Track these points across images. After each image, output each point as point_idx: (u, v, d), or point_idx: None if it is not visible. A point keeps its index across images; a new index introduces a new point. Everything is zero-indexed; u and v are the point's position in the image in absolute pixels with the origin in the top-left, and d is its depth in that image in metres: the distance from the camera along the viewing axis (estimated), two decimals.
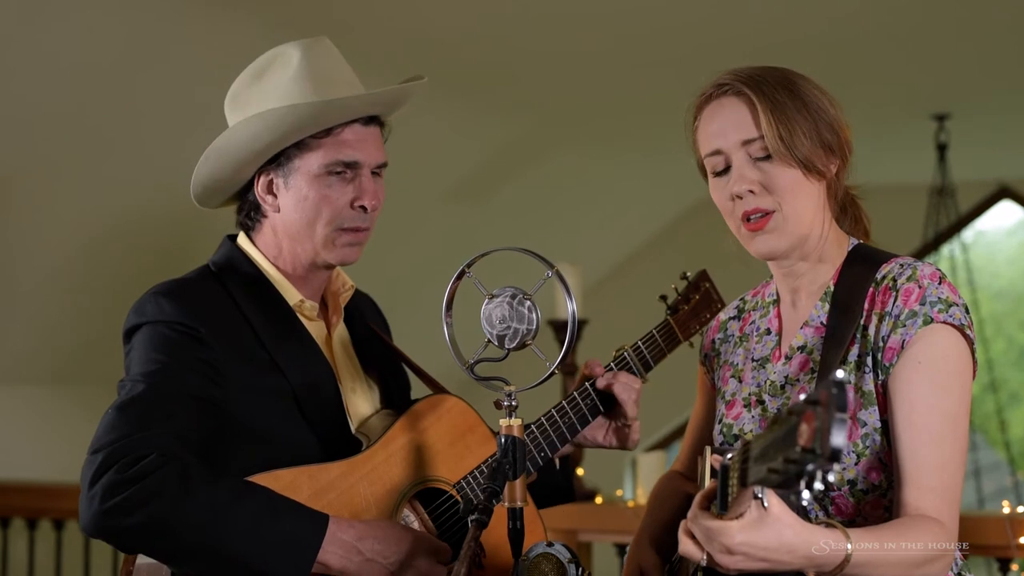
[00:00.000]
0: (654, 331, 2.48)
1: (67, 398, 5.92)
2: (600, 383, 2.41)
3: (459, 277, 2.07)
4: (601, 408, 2.42)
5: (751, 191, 2.03)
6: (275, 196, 2.31)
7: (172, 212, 5.11)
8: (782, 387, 2.12)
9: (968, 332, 1.99)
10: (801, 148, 2.00)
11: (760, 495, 1.68)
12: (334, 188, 2.28)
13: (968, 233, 8.79)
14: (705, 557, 1.80)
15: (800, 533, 1.77)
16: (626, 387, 2.40)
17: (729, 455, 1.74)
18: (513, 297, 2.02)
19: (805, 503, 1.58)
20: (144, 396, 2.12)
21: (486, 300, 2.03)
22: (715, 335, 2.33)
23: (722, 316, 2.33)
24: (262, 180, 2.31)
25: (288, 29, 4.64)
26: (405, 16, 4.85)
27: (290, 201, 2.29)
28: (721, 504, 1.77)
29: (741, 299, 2.32)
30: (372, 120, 2.33)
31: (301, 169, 2.28)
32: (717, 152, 2.06)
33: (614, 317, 6.00)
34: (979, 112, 6.68)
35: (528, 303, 2.01)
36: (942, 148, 6.73)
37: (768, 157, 2.02)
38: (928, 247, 7.10)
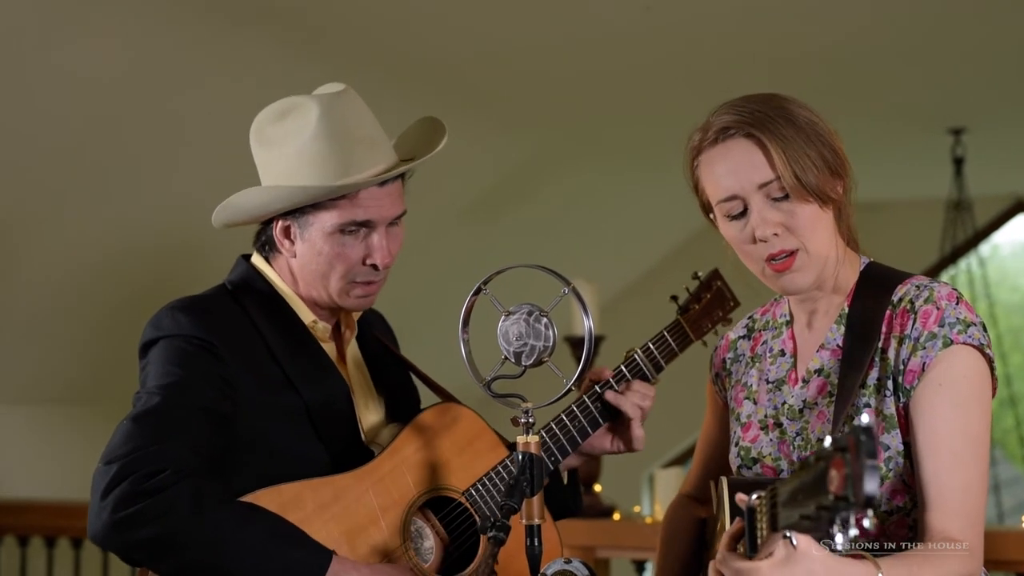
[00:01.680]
0: (665, 331, 2.45)
1: (85, 417, 5.93)
2: (609, 397, 2.38)
3: (476, 294, 2.08)
4: (602, 421, 2.39)
5: (775, 234, 2.02)
6: (292, 242, 2.32)
7: (176, 237, 5.13)
8: (800, 411, 2.11)
9: (987, 351, 1.99)
10: (814, 180, 2.00)
11: (788, 534, 1.68)
12: (347, 246, 2.29)
13: (985, 247, 8.76)
14: None
15: (831, 567, 1.77)
16: (634, 405, 2.37)
17: (756, 495, 1.75)
18: (530, 314, 2.02)
19: (839, 548, 1.59)
20: (159, 408, 2.13)
21: (503, 317, 2.03)
22: (725, 354, 2.31)
23: (731, 335, 2.32)
24: (280, 224, 2.32)
25: (304, 58, 4.66)
26: (420, 39, 4.85)
27: (306, 251, 2.31)
28: (751, 547, 1.77)
29: (750, 318, 2.31)
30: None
31: (316, 224, 2.28)
32: (732, 197, 2.04)
33: (631, 333, 5.98)
34: (995, 126, 6.66)
35: (545, 320, 2.01)
36: (959, 162, 6.71)
37: (786, 197, 2.01)
38: (945, 261, 7.08)
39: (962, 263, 7.41)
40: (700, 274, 2.54)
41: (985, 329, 2.00)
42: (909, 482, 1.99)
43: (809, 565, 1.75)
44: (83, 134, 4.67)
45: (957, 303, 1.99)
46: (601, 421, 2.39)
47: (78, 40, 4.23)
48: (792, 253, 2.03)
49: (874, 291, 2.07)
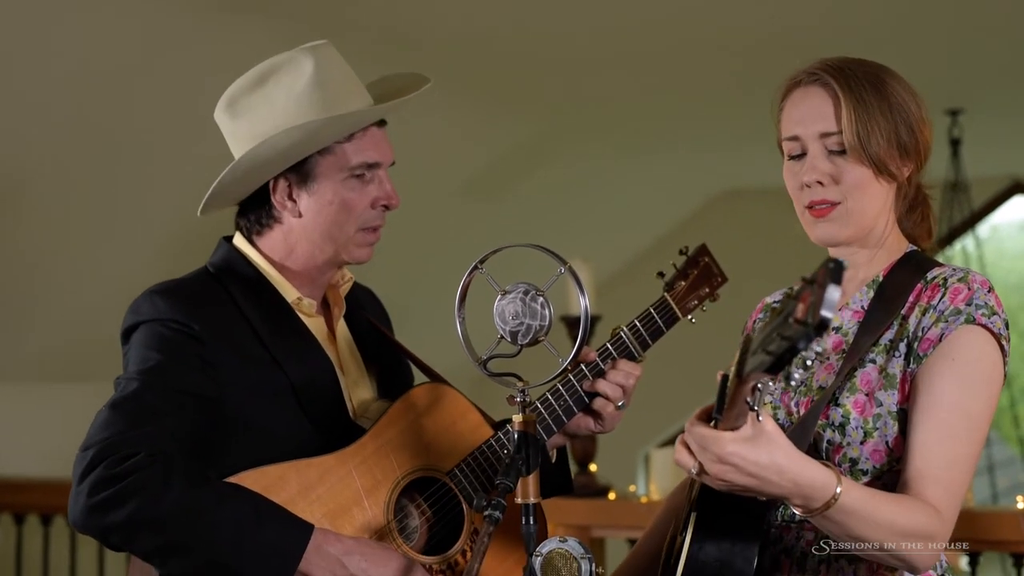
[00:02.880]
0: (651, 308, 2.43)
1: (82, 395, 5.93)
2: (587, 386, 2.36)
3: (472, 273, 2.07)
4: (587, 400, 2.37)
5: (820, 182, 2.06)
6: (295, 202, 2.32)
7: (183, 212, 5.13)
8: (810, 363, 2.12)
9: (1004, 343, 2.01)
10: (876, 148, 2.03)
11: (753, 404, 1.69)
12: (356, 190, 2.31)
13: (982, 228, 8.76)
14: (697, 466, 1.81)
15: (792, 457, 1.78)
16: (614, 385, 2.34)
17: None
18: (526, 293, 2.01)
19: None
20: (137, 394, 2.14)
21: (499, 296, 2.03)
22: (757, 316, 2.34)
23: (767, 300, 2.34)
24: (279, 186, 2.32)
25: (302, 27, 4.65)
26: (418, 16, 4.85)
27: (314, 207, 2.31)
28: (717, 409, 1.79)
29: (790, 287, 2.34)
30: (382, 121, 2.38)
31: (325, 175, 2.30)
32: (795, 138, 2.09)
33: (627, 313, 5.99)
34: (993, 107, 6.66)
35: (541, 299, 2.01)
36: (955, 143, 6.70)
37: (843, 152, 2.05)
38: (942, 242, 7.08)
39: (958, 244, 7.41)
40: (687, 249, 2.52)
41: (1007, 326, 2.03)
42: (893, 446, 1.99)
43: (772, 448, 1.76)
44: (96, 107, 4.67)
45: (989, 291, 2.02)
46: (586, 401, 2.37)
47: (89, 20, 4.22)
48: (833, 204, 2.06)
49: (910, 269, 2.10)
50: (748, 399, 1.70)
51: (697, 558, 1.94)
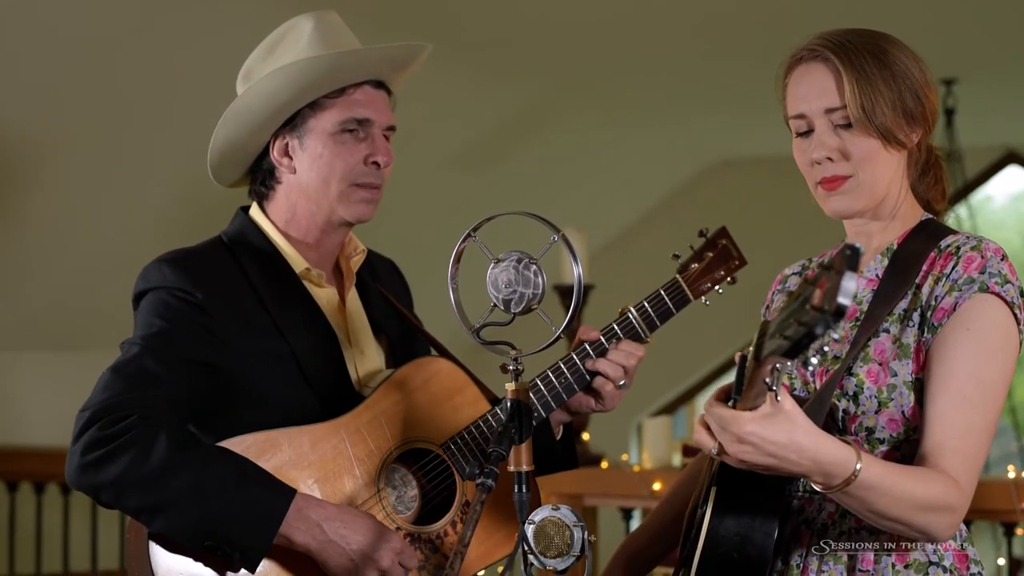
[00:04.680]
0: (661, 290, 2.41)
1: (75, 363, 5.93)
2: (588, 364, 2.35)
3: (465, 240, 2.07)
4: (588, 378, 2.36)
5: (829, 158, 2.06)
6: (291, 158, 2.36)
7: (188, 181, 5.11)
8: None
9: (1018, 312, 2.01)
10: (882, 119, 2.03)
11: (772, 385, 1.70)
12: (348, 145, 2.34)
13: (975, 198, 8.76)
14: (717, 446, 1.83)
15: (811, 435, 1.79)
16: (615, 365, 2.33)
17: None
18: (519, 261, 2.00)
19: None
20: (138, 358, 2.19)
21: (492, 264, 2.02)
22: (776, 287, 2.34)
23: (786, 271, 2.35)
24: (277, 143, 2.37)
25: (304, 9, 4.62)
26: None
27: (306, 161, 2.35)
28: (736, 389, 1.80)
29: (808, 259, 2.34)
30: (380, 85, 2.40)
31: (316, 129, 2.34)
32: (801, 116, 2.09)
33: (620, 282, 5.99)
34: (987, 77, 6.64)
35: (534, 267, 2.00)
36: (949, 113, 6.70)
37: (849, 125, 2.05)
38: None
39: (952, 214, 7.41)
40: (706, 231, 2.49)
41: (1022, 294, 2.03)
42: (909, 415, 2.00)
43: (791, 427, 1.77)
44: (103, 74, 4.64)
45: (1002, 259, 2.02)
46: (588, 379, 2.36)
47: None
48: (844, 178, 2.06)
49: (924, 237, 2.10)
50: (767, 379, 1.70)
51: (718, 532, 1.96)
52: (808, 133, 2.09)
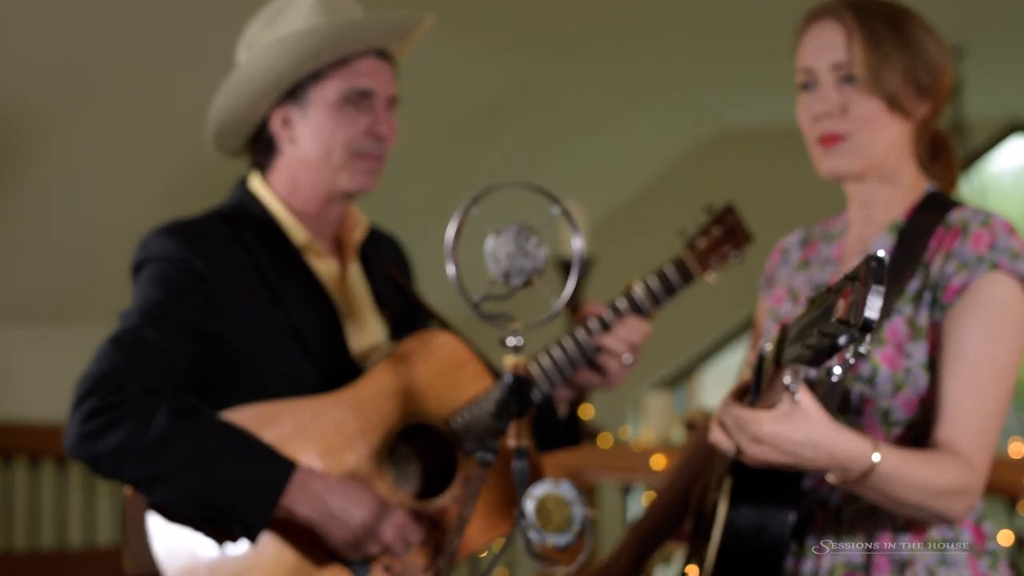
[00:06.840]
0: (667, 265, 2.40)
1: (71, 336, 5.91)
2: (593, 340, 2.35)
3: (464, 212, 2.04)
4: (591, 355, 2.37)
5: (829, 114, 2.06)
6: (291, 129, 2.34)
7: (190, 152, 5.09)
8: None
9: None
10: (889, 81, 2.03)
11: (792, 387, 1.69)
12: (349, 116, 2.32)
13: (982, 171, 8.74)
14: (734, 446, 1.83)
15: (828, 431, 1.79)
16: (621, 341, 2.33)
17: (767, 344, 1.75)
18: (519, 233, 1.99)
19: (835, 378, 1.62)
20: (137, 329, 2.17)
21: (491, 237, 1.99)
22: (776, 259, 2.33)
23: (784, 241, 2.33)
24: (277, 115, 2.35)
25: None
26: None
27: (307, 132, 2.33)
28: (755, 390, 1.80)
29: (806, 228, 2.31)
30: (384, 56, 2.37)
31: (317, 99, 2.32)
32: (808, 69, 2.10)
33: (622, 255, 5.96)
34: (994, 48, 6.60)
35: (534, 240, 1.98)
36: (957, 84, 6.66)
37: (852, 79, 2.05)
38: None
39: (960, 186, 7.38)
40: (713, 207, 2.47)
41: None
42: (925, 397, 2.00)
43: (808, 424, 1.78)
44: (97, 46, 4.62)
45: (1011, 233, 2.01)
46: (590, 355, 2.36)
47: None
48: (841, 136, 2.06)
49: (930, 211, 2.09)
50: (786, 382, 1.70)
51: (734, 523, 1.97)
52: (811, 87, 2.09)
